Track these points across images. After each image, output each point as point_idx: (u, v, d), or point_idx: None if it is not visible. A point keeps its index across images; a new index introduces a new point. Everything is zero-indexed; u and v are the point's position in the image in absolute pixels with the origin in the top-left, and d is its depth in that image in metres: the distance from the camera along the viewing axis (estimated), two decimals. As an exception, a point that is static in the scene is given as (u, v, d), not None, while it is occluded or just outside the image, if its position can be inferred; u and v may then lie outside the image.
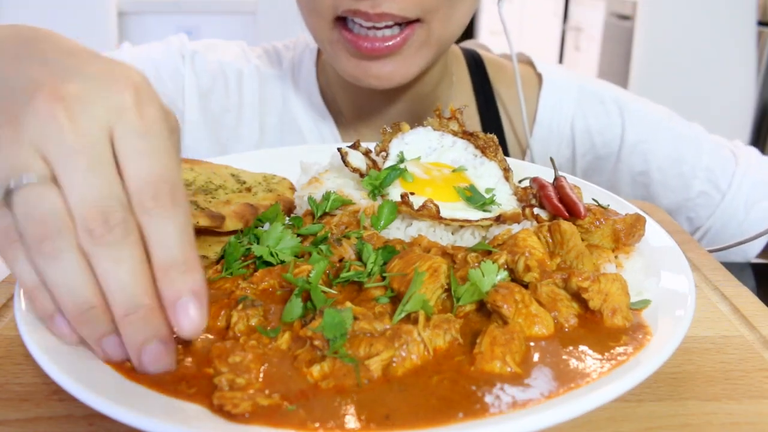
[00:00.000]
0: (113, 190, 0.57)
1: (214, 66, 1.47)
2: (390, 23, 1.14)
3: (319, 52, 1.50)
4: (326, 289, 0.74)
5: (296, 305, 0.69)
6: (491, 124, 1.51)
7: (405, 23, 1.16)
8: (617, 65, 4.48)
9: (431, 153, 1.01)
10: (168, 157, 0.60)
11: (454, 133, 1.03)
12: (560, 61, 5.82)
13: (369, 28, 1.15)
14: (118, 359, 0.62)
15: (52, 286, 0.58)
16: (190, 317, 0.59)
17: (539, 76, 1.52)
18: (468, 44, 1.68)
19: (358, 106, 1.46)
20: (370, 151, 1.00)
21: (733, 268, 1.06)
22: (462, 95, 1.52)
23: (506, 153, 1.51)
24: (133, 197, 0.58)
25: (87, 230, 0.56)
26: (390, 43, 1.15)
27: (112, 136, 0.59)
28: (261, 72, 1.49)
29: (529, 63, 1.56)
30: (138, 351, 0.60)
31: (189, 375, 0.62)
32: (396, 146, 1.00)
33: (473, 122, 1.51)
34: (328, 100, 1.48)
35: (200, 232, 0.84)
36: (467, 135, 1.03)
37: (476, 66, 1.54)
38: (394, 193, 0.91)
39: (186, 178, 0.97)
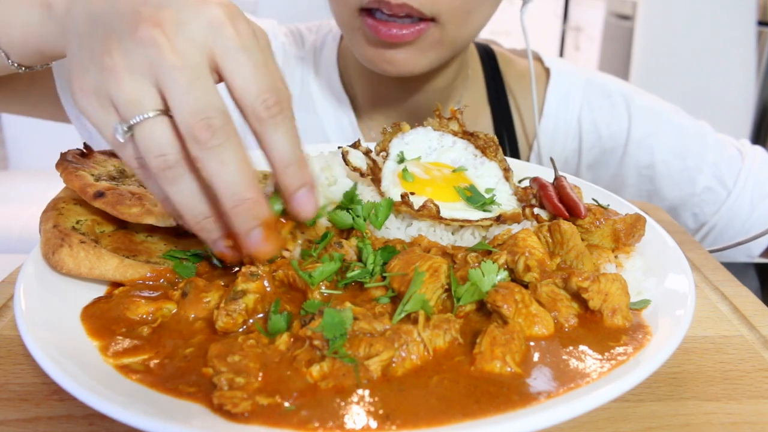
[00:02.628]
0: (212, 100, 0.64)
1: None
2: (408, 18, 1.18)
3: (341, 38, 1.52)
4: (332, 291, 0.74)
5: (277, 321, 0.69)
6: (502, 118, 1.52)
7: (421, 19, 1.19)
8: (617, 65, 4.47)
9: (431, 153, 1.01)
10: (269, 68, 0.68)
11: (455, 133, 1.03)
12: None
13: (390, 16, 1.18)
14: (232, 258, 0.74)
15: (175, 203, 0.69)
16: (307, 203, 0.72)
17: (547, 71, 1.53)
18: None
19: (374, 94, 1.48)
20: (371, 151, 1.00)
21: (736, 267, 1.06)
22: (476, 89, 1.53)
23: (515, 146, 1.52)
24: (246, 108, 0.66)
25: (194, 139, 0.64)
26: (404, 31, 1.19)
27: (213, 53, 0.66)
28: (286, 50, 1.52)
29: (538, 58, 1.57)
30: (246, 236, 0.69)
31: (188, 374, 0.62)
32: (396, 146, 1.00)
33: (484, 115, 1.52)
34: (346, 86, 1.50)
35: None
36: (467, 135, 1.03)
37: (488, 60, 1.56)
38: (395, 192, 0.91)
39: None
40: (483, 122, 1.52)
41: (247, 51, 0.66)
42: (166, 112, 0.65)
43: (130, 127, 0.65)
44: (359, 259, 0.80)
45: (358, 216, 0.86)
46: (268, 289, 0.73)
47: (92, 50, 0.66)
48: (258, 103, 0.66)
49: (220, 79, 0.68)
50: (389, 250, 0.79)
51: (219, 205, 0.68)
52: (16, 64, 0.90)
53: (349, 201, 0.89)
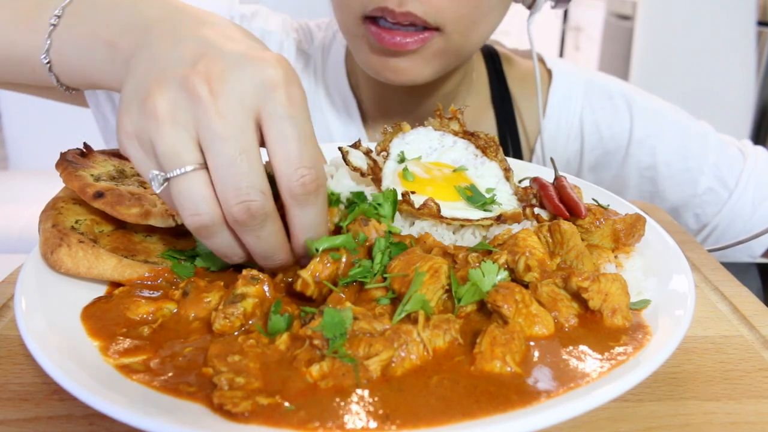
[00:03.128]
0: (254, 180, 0.65)
1: (256, 34, 1.47)
2: (412, 27, 1.18)
3: None
4: (331, 286, 0.74)
5: (277, 321, 0.69)
6: (505, 119, 1.52)
7: (425, 28, 1.18)
8: (617, 65, 4.47)
9: (432, 153, 1.01)
10: (312, 142, 0.68)
11: (455, 133, 1.03)
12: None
13: (394, 24, 1.18)
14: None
15: (213, 249, 0.73)
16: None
17: (549, 72, 1.53)
18: None
19: (379, 98, 1.48)
20: (371, 151, 1.00)
21: (738, 267, 1.06)
22: (480, 91, 1.53)
23: (518, 148, 1.52)
24: (282, 180, 0.67)
25: (232, 217, 0.66)
26: (408, 40, 1.18)
27: (260, 115, 0.65)
28: (298, 47, 1.52)
29: (540, 59, 1.57)
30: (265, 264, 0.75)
31: (188, 374, 0.62)
32: (396, 146, 1.00)
33: (487, 117, 1.52)
34: (353, 87, 1.50)
35: None
36: (468, 135, 1.03)
37: (492, 61, 1.56)
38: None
39: None
40: (486, 124, 1.52)
41: (294, 121, 0.66)
42: (204, 166, 0.65)
43: (167, 179, 0.66)
44: (369, 253, 0.79)
45: (378, 208, 0.86)
46: (268, 294, 0.73)
47: (140, 91, 0.66)
48: (295, 178, 0.66)
49: (262, 139, 0.67)
50: (402, 246, 0.79)
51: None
52: (64, 87, 0.90)
53: (360, 200, 0.88)
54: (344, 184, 0.92)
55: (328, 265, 0.75)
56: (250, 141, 0.65)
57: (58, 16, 0.84)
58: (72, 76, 0.87)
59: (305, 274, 0.74)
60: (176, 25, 0.72)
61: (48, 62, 0.86)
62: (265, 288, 0.73)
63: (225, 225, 0.68)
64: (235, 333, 0.69)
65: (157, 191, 0.68)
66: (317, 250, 0.75)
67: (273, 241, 0.71)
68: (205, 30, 0.70)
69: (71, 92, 0.92)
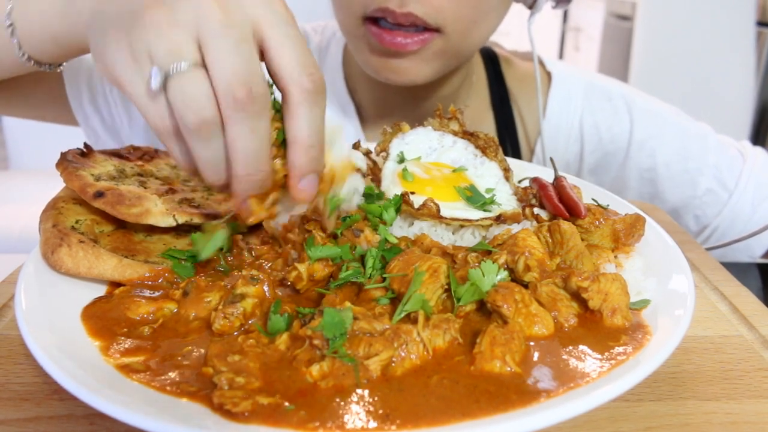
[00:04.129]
0: (256, 68, 0.65)
1: None
2: (413, 27, 1.18)
3: (345, 43, 1.51)
4: (323, 291, 0.75)
5: (277, 321, 0.69)
6: (504, 121, 1.52)
7: (426, 29, 1.18)
8: (617, 65, 4.47)
9: (431, 153, 1.01)
10: (309, 50, 0.69)
11: (455, 133, 1.03)
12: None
13: (394, 25, 1.18)
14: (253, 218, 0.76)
15: (202, 160, 0.69)
16: (310, 191, 0.74)
17: (549, 74, 1.53)
18: None
19: (378, 101, 1.48)
20: (371, 152, 1.00)
21: (738, 267, 1.06)
22: (480, 94, 1.53)
23: (517, 150, 1.52)
24: (290, 81, 0.67)
25: (233, 99, 0.64)
26: (408, 40, 1.19)
27: (259, 24, 0.67)
28: None
29: (539, 61, 1.57)
30: (241, 201, 0.73)
31: (188, 374, 0.62)
32: (396, 146, 1.00)
33: (487, 119, 1.52)
34: (351, 91, 1.50)
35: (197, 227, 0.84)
36: (467, 135, 1.03)
37: (491, 63, 1.56)
38: (395, 192, 0.91)
39: (186, 176, 0.97)
40: (486, 127, 1.52)
41: (294, 28, 0.68)
42: (203, 66, 0.65)
43: (167, 78, 0.64)
44: (361, 259, 0.80)
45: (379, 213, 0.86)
46: (268, 294, 0.73)
47: (134, 10, 0.66)
48: (304, 75, 0.67)
49: (261, 50, 0.68)
50: (395, 251, 0.79)
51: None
52: (26, 56, 0.90)
53: (368, 196, 0.88)
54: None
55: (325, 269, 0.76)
56: (250, 36, 0.66)
57: None
58: (34, 35, 0.87)
59: (302, 267, 0.74)
60: None
61: (10, 25, 0.87)
62: (265, 288, 0.73)
63: (221, 125, 0.67)
64: (235, 333, 0.69)
65: (152, 93, 0.65)
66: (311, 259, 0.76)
67: (264, 139, 0.68)
68: None
69: (37, 66, 0.92)
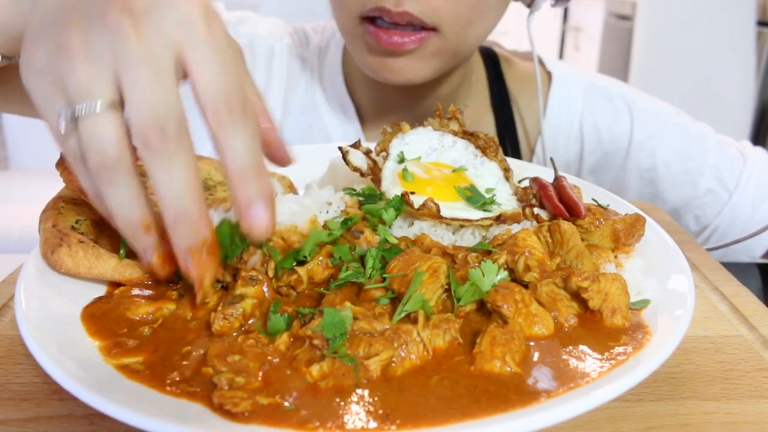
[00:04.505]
0: (170, 102, 0.59)
1: (243, 40, 1.48)
2: (410, 26, 1.18)
3: (345, 43, 1.51)
4: (323, 291, 0.75)
5: (277, 321, 0.68)
6: (504, 121, 1.52)
7: (423, 28, 1.18)
8: (617, 65, 4.47)
9: (431, 153, 1.01)
10: (237, 69, 0.63)
11: (455, 133, 1.03)
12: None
13: (391, 24, 1.18)
14: (161, 273, 0.69)
15: (108, 205, 0.63)
16: (261, 218, 0.64)
17: (549, 74, 1.53)
18: None
19: (378, 101, 1.48)
20: (371, 151, 1.00)
21: (739, 267, 1.06)
22: (479, 94, 1.53)
23: (517, 150, 1.52)
24: (207, 107, 0.61)
25: (144, 141, 0.59)
26: (405, 39, 1.19)
27: (181, 50, 0.61)
28: (291, 51, 1.51)
29: (539, 61, 1.57)
30: (182, 253, 0.64)
31: (188, 374, 0.62)
32: (396, 146, 1.00)
33: (487, 119, 1.52)
34: (350, 91, 1.50)
35: None
36: (467, 135, 1.03)
37: (491, 63, 1.56)
38: (395, 192, 0.91)
39: None
40: (486, 127, 1.52)
41: (217, 48, 0.62)
42: (119, 108, 0.60)
43: (76, 117, 0.59)
44: (361, 259, 0.80)
45: (380, 214, 0.85)
46: (267, 295, 0.73)
47: (51, 24, 0.61)
48: (221, 103, 0.61)
49: (186, 76, 0.62)
50: (394, 251, 0.79)
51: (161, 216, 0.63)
52: None
53: (369, 196, 0.88)
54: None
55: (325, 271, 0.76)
56: (168, 67, 0.60)
57: None
58: None
59: (301, 270, 0.74)
60: None
61: None
62: (264, 289, 0.73)
63: (131, 169, 0.61)
64: (234, 334, 0.69)
65: (62, 131, 0.61)
66: (306, 256, 0.74)
67: (188, 177, 0.60)
68: None
69: (7, 60, 0.85)
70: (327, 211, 0.84)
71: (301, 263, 0.77)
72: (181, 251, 0.64)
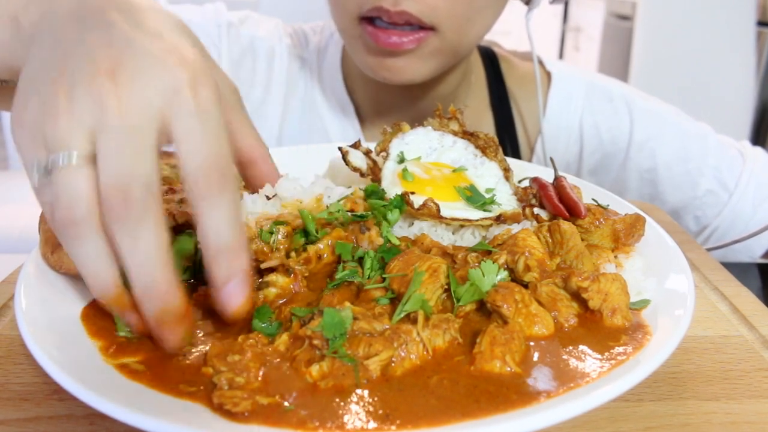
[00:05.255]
0: (139, 167, 0.58)
1: (245, 41, 1.48)
2: (408, 26, 1.18)
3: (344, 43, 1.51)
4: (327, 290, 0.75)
5: (261, 329, 0.68)
6: (504, 122, 1.52)
7: (421, 27, 1.18)
8: (617, 65, 4.47)
9: (431, 153, 1.01)
10: (219, 141, 0.62)
11: (455, 133, 1.03)
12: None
13: (389, 24, 1.18)
14: (141, 332, 0.66)
15: (77, 264, 0.61)
16: (237, 298, 0.64)
17: (548, 74, 1.53)
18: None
19: (377, 101, 1.48)
20: (371, 151, 1.00)
21: (739, 267, 1.06)
22: (479, 95, 1.53)
23: (516, 151, 1.52)
24: (187, 179, 0.60)
25: (108, 206, 0.58)
26: (404, 39, 1.19)
27: (165, 117, 0.60)
28: (291, 52, 1.51)
29: (539, 61, 1.57)
30: (155, 326, 0.62)
31: (189, 374, 0.62)
32: (396, 146, 1.00)
33: (486, 119, 1.52)
34: (350, 91, 1.50)
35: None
36: (467, 135, 1.03)
37: (491, 63, 1.56)
38: (395, 192, 0.91)
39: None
40: (486, 127, 1.52)
41: (200, 117, 0.61)
42: (93, 166, 0.59)
43: (50, 168, 0.59)
44: (359, 259, 0.79)
45: (383, 210, 0.85)
46: (294, 290, 0.73)
47: (39, 81, 0.62)
48: (200, 176, 0.60)
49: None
50: (393, 251, 0.79)
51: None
52: None
53: (372, 192, 0.88)
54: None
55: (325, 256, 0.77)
56: (146, 134, 0.59)
57: None
58: None
59: (311, 249, 0.75)
60: (83, 4, 0.66)
61: None
62: (294, 286, 0.73)
63: (99, 228, 0.59)
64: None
65: (37, 183, 0.60)
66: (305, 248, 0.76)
67: (153, 250, 0.58)
68: (111, 16, 0.64)
69: (4, 83, 0.85)
70: (329, 196, 0.85)
71: (310, 243, 0.78)
72: (150, 321, 0.62)
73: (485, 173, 0.99)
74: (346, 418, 0.56)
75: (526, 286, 0.74)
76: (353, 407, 0.58)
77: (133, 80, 0.60)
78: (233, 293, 0.64)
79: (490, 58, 1.56)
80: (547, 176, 1.03)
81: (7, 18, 0.72)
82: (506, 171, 1.00)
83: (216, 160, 0.61)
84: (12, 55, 0.74)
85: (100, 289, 0.62)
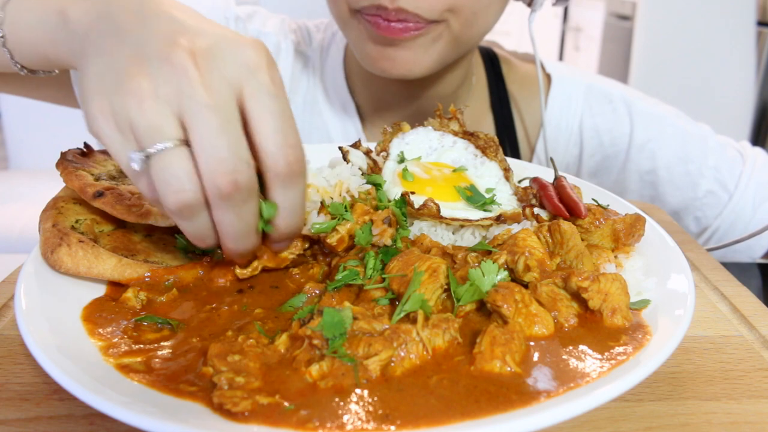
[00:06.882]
0: (240, 152, 0.63)
1: (251, 35, 1.47)
2: (407, 22, 1.16)
3: (346, 42, 1.51)
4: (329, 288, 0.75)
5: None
6: (504, 123, 1.51)
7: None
8: (617, 65, 4.47)
9: (432, 153, 1.01)
10: (295, 125, 0.66)
11: (455, 133, 1.03)
12: (560, 61, 5.82)
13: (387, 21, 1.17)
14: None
15: (187, 233, 0.69)
16: (283, 247, 0.78)
17: (548, 76, 1.52)
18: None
19: (378, 101, 1.47)
20: (371, 151, 1.00)
21: (739, 267, 1.06)
22: (479, 96, 1.53)
23: (516, 152, 1.52)
24: (267, 158, 0.65)
25: (216, 189, 0.63)
26: (406, 25, 1.17)
27: (242, 94, 0.64)
28: (295, 48, 1.51)
29: (540, 63, 1.56)
30: (238, 258, 0.76)
31: (188, 374, 0.62)
32: (396, 146, 1.00)
33: (486, 121, 1.52)
34: (351, 90, 1.49)
35: None
36: (468, 135, 1.03)
37: (491, 64, 1.55)
38: (395, 192, 0.91)
39: None
40: (486, 129, 1.51)
41: (278, 100, 0.65)
42: (186, 143, 0.63)
43: (148, 157, 0.62)
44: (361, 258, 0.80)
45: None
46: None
47: (117, 71, 0.63)
48: (281, 157, 0.65)
49: (243, 120, 0.65)
50: (393, 252, 0.79)
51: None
52: (19, 65, 0.87)
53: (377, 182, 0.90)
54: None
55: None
56: (235, 114, 0.63)
57: None
58: (24, 50, 0.84)
59: (342, 229, 0.79)
60: (145, 3, 0.69)
61: (1, 36, 0.84)
62: (316, 292, 0.77)
63: (206, 204, 0.65)
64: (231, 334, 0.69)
65: (137, 170, 0.64)
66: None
67: (252, 221, 0.68)
68: (172, 10, 0.67)
69: (31, 74, 0.90)
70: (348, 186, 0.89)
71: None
72: (236, 257, 0.75)
73: (485, 173, 0.99)
74: (345, 418, 0.56)
75: (526, 286, 0.74)
76: (353, 407, 0.58)
77: (213, 57, 0.63)
78: (282, 246, 0.77)
79: (491, 59, 1.56)
80: (547, 176, 1.03)
81: (53, 12, 0.75)
82: (506, 171, 1.00)
83: (295, 141, 0.65)
84: (57, 49, 0.77)
85: (204, 246, 0.70)
